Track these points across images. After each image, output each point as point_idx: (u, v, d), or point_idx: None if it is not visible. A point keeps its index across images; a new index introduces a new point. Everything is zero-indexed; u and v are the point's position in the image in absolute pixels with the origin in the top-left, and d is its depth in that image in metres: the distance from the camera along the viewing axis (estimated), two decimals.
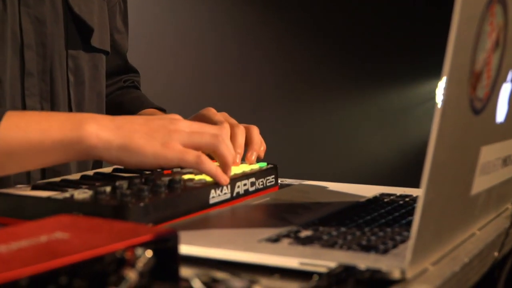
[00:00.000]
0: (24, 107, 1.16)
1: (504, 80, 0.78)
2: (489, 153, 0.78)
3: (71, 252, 0.56)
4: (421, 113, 4.05)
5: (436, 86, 4.11)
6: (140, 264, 0.58)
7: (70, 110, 1.23)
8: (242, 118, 1.16)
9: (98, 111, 1.29)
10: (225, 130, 1.00)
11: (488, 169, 0.79)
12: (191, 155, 0.90)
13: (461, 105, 0.67)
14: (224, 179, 0.92)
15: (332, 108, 3.97)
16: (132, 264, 0.58)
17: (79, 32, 1.25)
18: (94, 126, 0.91)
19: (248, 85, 3.78)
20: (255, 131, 1.09)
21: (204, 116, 1.12)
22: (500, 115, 0.79)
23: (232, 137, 1.04)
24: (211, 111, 1.13)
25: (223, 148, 0.93)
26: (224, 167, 0.94)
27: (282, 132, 3.74)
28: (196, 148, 0.92)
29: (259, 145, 1.08)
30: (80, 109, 1.25)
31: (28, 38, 1.17)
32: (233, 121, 1.10)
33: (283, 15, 3.85)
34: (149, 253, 0.59)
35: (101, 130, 0.91)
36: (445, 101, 0.62)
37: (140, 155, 0.90)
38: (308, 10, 3.92)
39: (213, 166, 0.91)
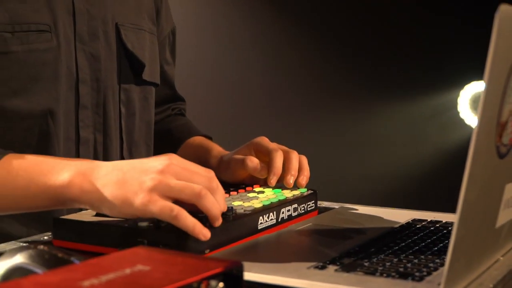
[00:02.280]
0: (78, 138, 1.24)
1: None
2: None
3: (156, 285, 0.66)
4: (445, 121, 4.11)
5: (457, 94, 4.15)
6: None
7: (121, 139, 1.32)
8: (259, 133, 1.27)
9: (147, 139, 1.38)
10: (214, 182, 0.95)
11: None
12: (166, 210, 0.90)
13: (489, 152, 0.76)
14: (203, 234, 0.89)
15: (357, 119, 4.04)
16: None
17: (131, 67, 1.33)
18: (92, 190, 0.94)
19: (267, 100, 3.87)
20: (305, 159, 1.18)
21: (258, 143, 1.22)
22: None
23: (287, 161, 1.15)
24: (265, 140, 1.22)
25: (205, 203, 0.91)
26: (212, 220, 0.93)
27: (305, 145, 3.82)
28: (178, 200, 0.92)
29: (308, 172, 1.18)
30: (131, 138, 1.34)
31: (83, 73, 1.25)
32: (286, 148, 1.19)
33: (304, 31, 3.93)
34: (221, 285, 0.69)
35: (100, 191, 0.94)
36: (475, 150, 0.71)
37: (121, 213, 0.93)
38: (327, 24, 4.00)
39: (189, 222, 0.89)
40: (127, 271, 0.70)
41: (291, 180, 1.14)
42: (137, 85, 1.34)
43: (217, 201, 0.93)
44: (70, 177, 0.96)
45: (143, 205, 0.90)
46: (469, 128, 3.97)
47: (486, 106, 0.72)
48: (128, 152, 1.32)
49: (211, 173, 0.96)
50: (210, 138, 1.48)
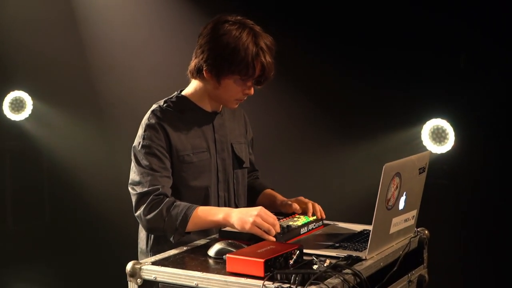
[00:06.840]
0: (218, 195, 2.72)
1: (402, 195, 2.37)
2: (397, 220, 2.37)
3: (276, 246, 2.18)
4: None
5: (421, 128, 4.92)
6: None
7: (234, 194, 2.79)
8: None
9: (244, 192, 2.85)
10: (275, 221, 2.40)
11: (397, 224, 2.39)
12: (256, 231, 2.35)
13: (383, 209, 2.26)
14: (269, 238, 2.35)
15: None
16: None
17: (238, 162, 2.81)
18: (231, 221, 2.43)
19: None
20: (319, 206, 2.72)
21: (299, 199, 2.74)
22: (401, 206, 2.38)
23: (314, 207, 2.68)
24: (302, 198, 2.75)
25: (271, 232, 2.35)
26: (271, 234, 2.36)
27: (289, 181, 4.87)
28: (261, 228, 2.35)
29: (322, 212, 2.71)
30: (238, 193, 2.81)
31: (219, 166, 2.73)
32: (311, 201, 2.72)
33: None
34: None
35: (233, 222, 2.43)
36: (377, 208, 2.21)
37: (243, 230, 2.40)
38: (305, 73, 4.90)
39: (265, 234, 2.36)
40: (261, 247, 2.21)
41: (316, 214, 2.66)
42: (240, 169, 2.84)
43: (275, 230, 2.38)
44: (223, 216, 2.48)
45: (249, 229, 2.39)
46: (429, 152, 4.86)
47: (381, 196, 2.22)
48: (237, 199, 2.82)
49: (275, 218, 2.44)
50: (273, 189, 2.97)
